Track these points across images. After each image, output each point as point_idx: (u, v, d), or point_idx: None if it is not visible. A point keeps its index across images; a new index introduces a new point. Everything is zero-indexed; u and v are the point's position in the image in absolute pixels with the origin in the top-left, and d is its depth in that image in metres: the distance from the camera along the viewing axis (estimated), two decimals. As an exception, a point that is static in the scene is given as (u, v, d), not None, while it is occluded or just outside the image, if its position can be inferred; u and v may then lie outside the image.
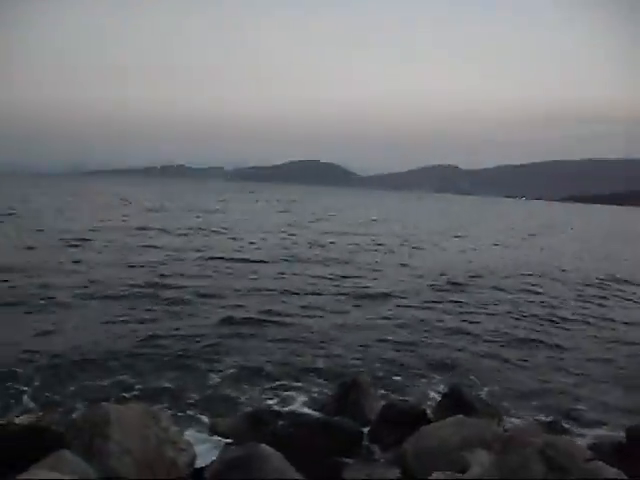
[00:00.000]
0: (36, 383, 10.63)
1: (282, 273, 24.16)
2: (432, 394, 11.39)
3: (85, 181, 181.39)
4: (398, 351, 14.17)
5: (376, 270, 26.73)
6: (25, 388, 10.45)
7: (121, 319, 15.50)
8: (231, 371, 12.08)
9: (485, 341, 15.60)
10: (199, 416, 9.76)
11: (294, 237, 39.60)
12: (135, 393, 10.50)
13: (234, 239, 36.09)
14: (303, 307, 18.24)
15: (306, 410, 10.22)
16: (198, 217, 53.44)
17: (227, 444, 8.46)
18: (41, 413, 8.00)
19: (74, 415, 7.51)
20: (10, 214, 44.03)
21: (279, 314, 17.02)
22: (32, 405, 9.71)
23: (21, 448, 6.21)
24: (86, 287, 19.13)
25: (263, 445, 5.40)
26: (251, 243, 34.39)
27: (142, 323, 15.25)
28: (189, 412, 9.90)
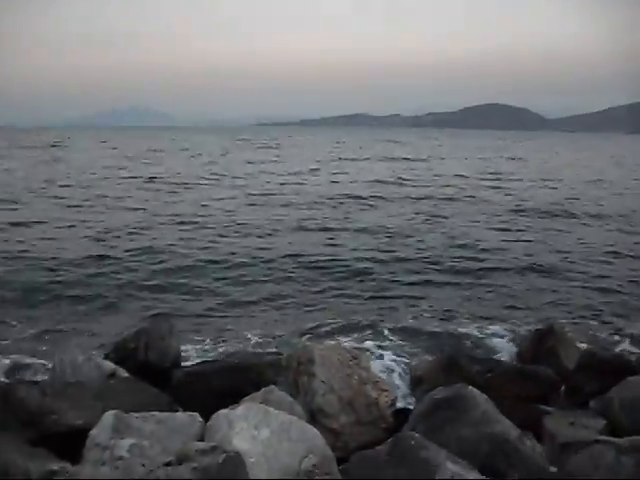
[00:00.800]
0: (253, 327, 11.38)
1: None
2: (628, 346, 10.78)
3: (283, 132, 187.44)
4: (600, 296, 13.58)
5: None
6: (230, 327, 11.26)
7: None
8: (426, 312, 12.20)
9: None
10: (393, 357, 9.97)
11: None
12: (334, 333, 10.96)
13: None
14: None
15: (501, 357, 10.06)
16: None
17: (422, 387, 8.59)
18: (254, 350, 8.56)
19: (281, 354, 7.91)
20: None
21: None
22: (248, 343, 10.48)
23: (236, 382, 6.86)
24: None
25: (471, 387, 5.40)
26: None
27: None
28: (384, 353, 10.13)
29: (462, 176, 40.58)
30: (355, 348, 8.59)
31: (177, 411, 5.73)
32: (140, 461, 3.55)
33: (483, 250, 17.98)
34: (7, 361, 9.41)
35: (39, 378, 8.05)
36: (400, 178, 38.29)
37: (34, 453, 5.02)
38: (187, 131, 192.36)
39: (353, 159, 57.99)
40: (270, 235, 19.75)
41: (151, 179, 35.58)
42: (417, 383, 8.94)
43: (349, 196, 28.93)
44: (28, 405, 5.44)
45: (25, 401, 5.47)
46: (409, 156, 62.55)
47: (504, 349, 10.51)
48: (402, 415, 6.88)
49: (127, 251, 16.88)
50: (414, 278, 14.76)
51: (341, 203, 27.14)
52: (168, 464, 3.54)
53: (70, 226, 20.85)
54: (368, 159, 58.28)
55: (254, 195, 29.48)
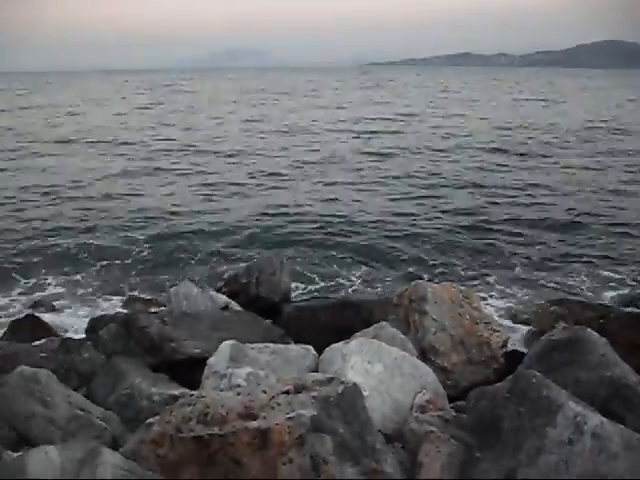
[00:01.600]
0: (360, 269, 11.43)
1: None
2: None
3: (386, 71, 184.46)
4: None
5: None
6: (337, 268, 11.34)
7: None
8: (532, 257, 11.88)
9: None
10: (500, 302, 9.81)
11: None
12: (445, 273, 10.88)
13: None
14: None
15: (613, 303, 9.67)
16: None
17: (532, 330, 8.42)
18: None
19: (393, 292, 7.90)
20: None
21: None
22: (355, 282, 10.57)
23: (345, 319, 6.93)
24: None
25: (589, 329, 5.19)
26: None
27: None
28: (491, 297, 9.98)
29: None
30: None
31: (289, 344, 5.82)
32: (260, 388, 3.61)
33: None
34: (125, 295, 9.91)
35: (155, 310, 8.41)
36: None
37: (156, 378, 5.25)
38: (300, 72, 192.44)
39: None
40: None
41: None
42: (526, 327, 8.78)
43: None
44: (149, 333, 5.67)
45: (147, 330, 5.70)
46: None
47: (615, 296, 10.13)
48: (513, 356, 6.76)
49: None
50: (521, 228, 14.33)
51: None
52: (286, 393, 3.58)
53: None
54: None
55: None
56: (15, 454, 3.80)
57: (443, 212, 15.39)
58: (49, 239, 13.39)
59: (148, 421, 3.68)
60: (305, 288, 9.81)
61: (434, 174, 20.45)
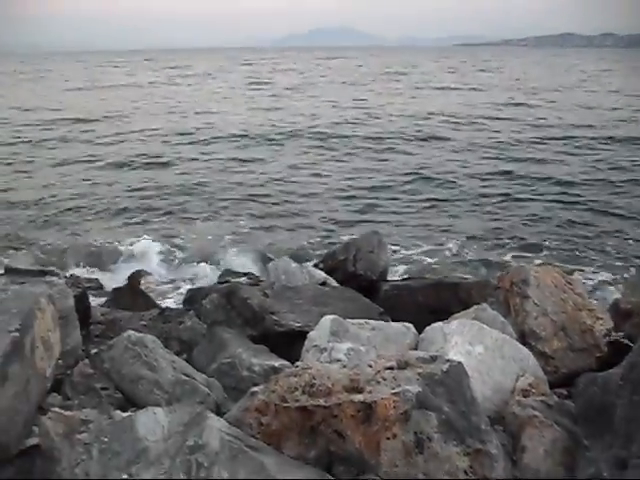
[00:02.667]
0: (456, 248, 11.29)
1: None
2: None
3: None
4: None
5: None
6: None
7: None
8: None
9: None
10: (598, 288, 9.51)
11: None
12: (547, 255, 10.64)
13: None
14: None
15: None
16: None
17: (634, 320, 8.09)
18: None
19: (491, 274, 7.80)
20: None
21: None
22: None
23: (443, 299, 6.89)
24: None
25: None
26: None
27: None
28: (594, 280, 9.69)
29: None
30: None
31: (387, 322, 5.82)
32: (366, 362, 3.64)
33: None
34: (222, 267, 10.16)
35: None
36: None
37: (257, 349, 5.36)
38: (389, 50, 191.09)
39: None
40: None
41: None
42: (626, 316, 8.45)
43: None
44: (251, 305, 5.79)
45: (249, 301, 5.83)
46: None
47: None
48: (616, 345, 6.53)
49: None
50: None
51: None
52: (390, 369, 3.59)
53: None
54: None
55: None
56: (124, 414, 3.96)
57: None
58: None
59: (252, 390, 3.76)
60: (401, 266, 9.82)
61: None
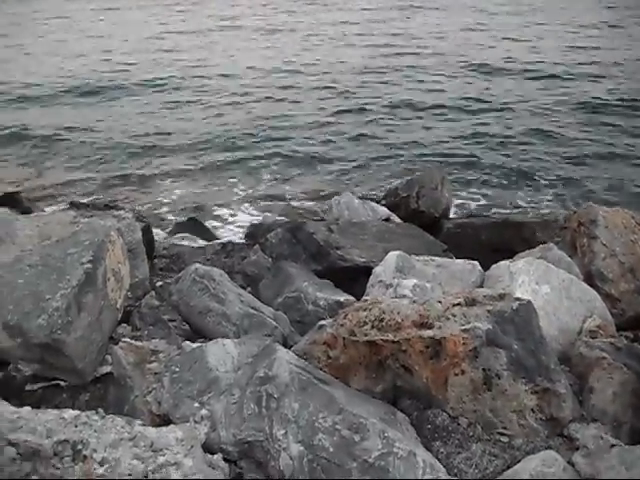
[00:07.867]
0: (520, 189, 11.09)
1: None
2: None
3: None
4: None
5: None
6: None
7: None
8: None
9: None
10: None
11: None
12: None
13: None
14: None
15: None
16: None
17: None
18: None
19: (554, 213, 7.63)
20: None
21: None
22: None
23: (507, 238, 6.82)
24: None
25: None
26: None
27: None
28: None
29: None
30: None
31: (452, 259, 5.79)
32: (435, 298, 3.63)
33: None
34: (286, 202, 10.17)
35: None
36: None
37: (322, 284, 5.41)
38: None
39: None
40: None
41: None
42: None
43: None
44: (316, 240, 5.82)
45: (314, 235, 5.86)
46: None
47: None
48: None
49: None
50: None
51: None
52: (457, 305, 3.58)
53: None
54: None
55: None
56: (193, 345, 4.06)
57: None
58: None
59: (320, 323, 3.80)
60: (463, 205, 9.68)
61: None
